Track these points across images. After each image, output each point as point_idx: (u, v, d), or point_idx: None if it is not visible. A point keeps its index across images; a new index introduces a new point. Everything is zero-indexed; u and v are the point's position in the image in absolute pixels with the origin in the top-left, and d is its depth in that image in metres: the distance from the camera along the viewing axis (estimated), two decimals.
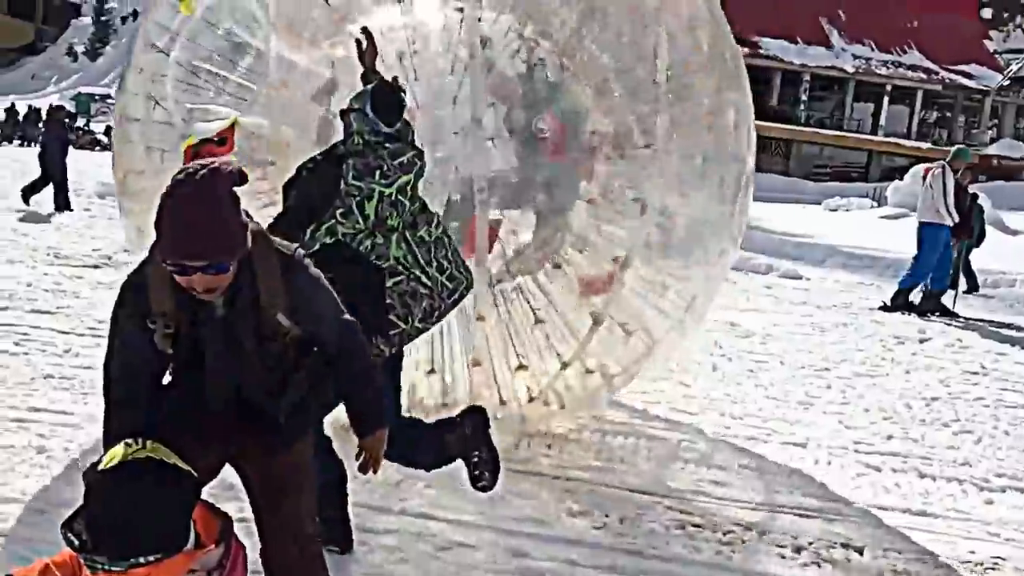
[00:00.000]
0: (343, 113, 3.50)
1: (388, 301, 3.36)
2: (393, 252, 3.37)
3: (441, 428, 3.53)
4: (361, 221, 3.29)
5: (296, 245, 2.45)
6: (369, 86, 3.48)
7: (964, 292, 11.19)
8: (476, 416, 3.52)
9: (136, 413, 2.31)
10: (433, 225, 3.52)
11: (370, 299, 3.24)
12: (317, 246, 3.20)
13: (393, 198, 3.34)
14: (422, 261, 3.43)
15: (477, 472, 3.49)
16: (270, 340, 2.35)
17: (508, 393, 4.55)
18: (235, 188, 2.15)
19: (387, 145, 3.38)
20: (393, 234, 3.36)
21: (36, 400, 4.88)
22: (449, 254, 3.54)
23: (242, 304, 2.28)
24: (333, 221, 3.26)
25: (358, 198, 3.27)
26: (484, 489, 3.52)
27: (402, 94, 3.53)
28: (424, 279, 3.43)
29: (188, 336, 2.31)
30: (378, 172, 3.30)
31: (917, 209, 10.50)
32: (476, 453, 3.48)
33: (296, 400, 2.45)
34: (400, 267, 3.38)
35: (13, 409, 4.71)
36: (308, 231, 3.24)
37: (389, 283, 3.36)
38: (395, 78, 3.65)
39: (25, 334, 6.14)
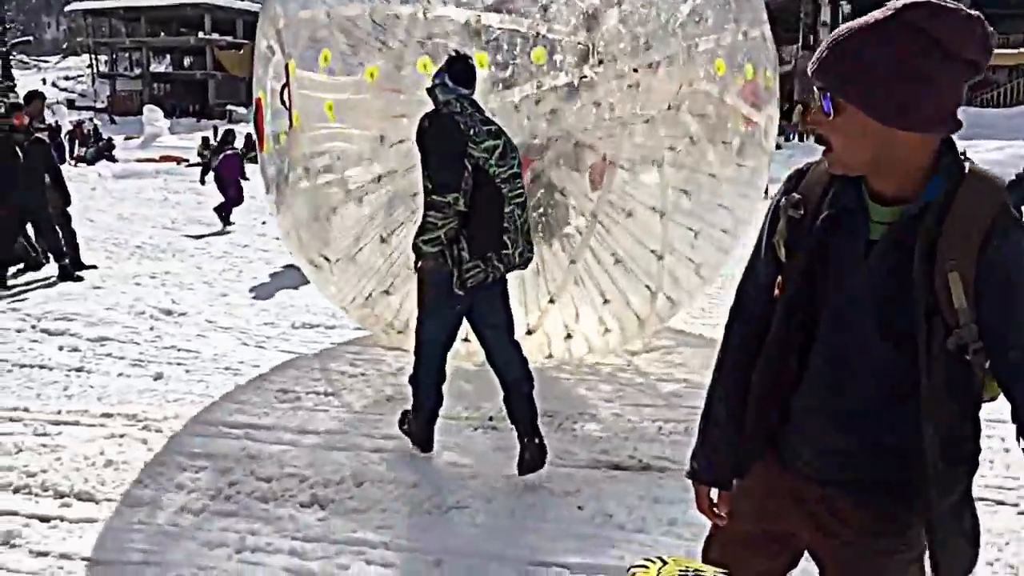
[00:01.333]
0: (429, 91, 4.17)
1: (504, 224, 4.05)
2: (512, 186, 4.08)
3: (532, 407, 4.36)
4: (485, 151, 3.98)
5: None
6: (445, 60, 4.18)
7: None
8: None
9: (729, 354, 1.96)
10: (517, 193, 4.13)
11: (493, 219, 4.03)
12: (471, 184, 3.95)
13: (477, 160, 3.99)
14: (515, 204, 4.11)
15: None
16: (938, 318, 1.61)
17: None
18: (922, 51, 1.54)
19: (476, 114, 4.09)
20: (496, 179, 4.03)
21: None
22: (518, 223, 4.15)
23: (911, 238, 1.61)
24: (471, 149, 3.95)
25: (471, 139, 3.96)
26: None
27: (471, 62, 4.20)
28: (522, 222, 4.14)
29: (814, 249, 1.74)
30: (472, 131, 4.00)
31: None
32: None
33: (952, 440, 1.67)
34: (517, 199, 4.10)
35: (368, 437, 4.94)
36: (463, 160, 3.94)
37: (507, 208, 4.06)
38: (465, 53, 4.32)
39: (357, 353, 6.48)
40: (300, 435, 5.01)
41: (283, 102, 5.43)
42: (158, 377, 5.96)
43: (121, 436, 4.96)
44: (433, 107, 4.13)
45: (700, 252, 5.82)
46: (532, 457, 4.23)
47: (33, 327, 7.03)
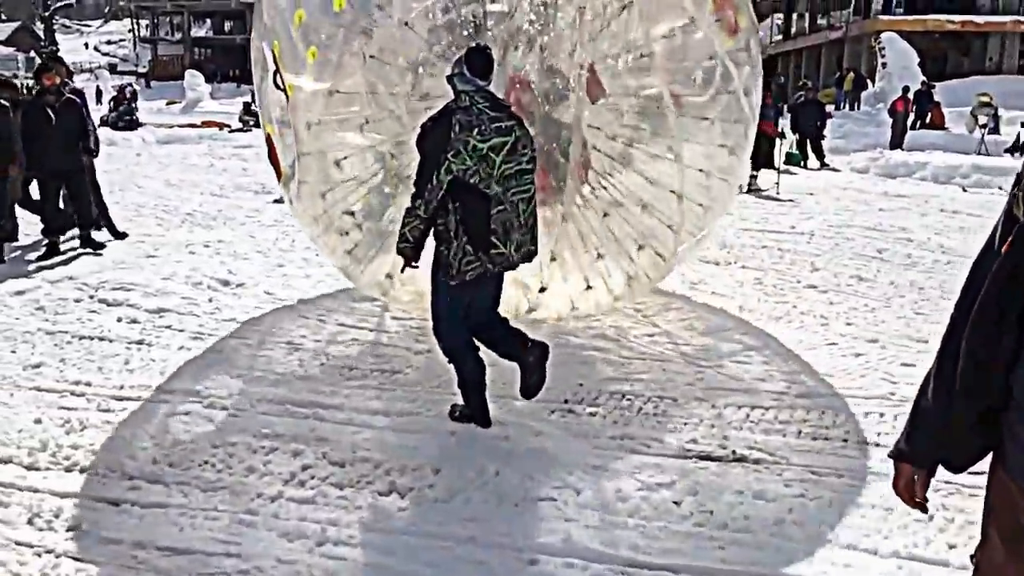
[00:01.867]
0: (449, 79, 4.33)
1: (492, 226, 4.22)
2: (495, 188, 4.21)
3: (520, 337, 4.61)
4: (468, 159, 4.11)
5: None
6: (463, 51, 4.35)
7: None
8: (542, 347, 4.59)
9: None
10: (512, 191, 4.29)
11: (481, 220, 4.20)
12: (446, 182, 4.12)
13: (484, 152, 4.15)
14: (516, 200, 4.29)
15: (528, 382, 4.58)
16: None
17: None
18: None
19: (488, 111, 4.21)
20: (492, 175, 4.19)
21: None
22: (521, 219, 4.36)
23: None
24: (448, 161, 4.09)
25: (460, 146, 4.09)
26: (527, 395, 4.61)
27: (489, 53, 4.35)
28: (518, 216, 4.31)
29: None
30: (476, 129, 4.14)
31: None
32: (532, 370, 4.55)
33: None
34: (501, 199, 4.24)
35: (440, 419, 4.76)
36: (436, 171, 4.11)
37: (493, 210, 4.22)
38: (482, 43, 4.51)
39: (420, 329, 6.06)
40: (369, 416, 4.81)
41: (277, 85, 5.51)
42: (219, 352, 5.80)
43: (186, 414, 4.80)
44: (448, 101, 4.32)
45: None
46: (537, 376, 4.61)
47: (91, 297, 6.89)
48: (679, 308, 6.85)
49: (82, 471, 4.16)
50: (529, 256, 4.52)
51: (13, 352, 5.73)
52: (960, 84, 31.51)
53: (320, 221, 5.84)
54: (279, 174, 6.03)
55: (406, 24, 5.46)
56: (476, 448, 4.37)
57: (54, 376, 5.34)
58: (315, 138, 5.55)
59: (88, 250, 8.58)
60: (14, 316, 6.42)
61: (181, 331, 6.20)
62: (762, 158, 13.92)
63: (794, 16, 47.94)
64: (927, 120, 24.45)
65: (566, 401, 5.02)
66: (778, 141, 14.68)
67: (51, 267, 7.94)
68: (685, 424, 4.68)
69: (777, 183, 13.74)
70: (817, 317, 6.62)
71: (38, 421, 4.67)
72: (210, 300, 6.93)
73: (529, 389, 4.61)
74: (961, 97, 27.34)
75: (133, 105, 30.07)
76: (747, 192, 13.63)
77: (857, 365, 5.58)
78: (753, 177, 13.98)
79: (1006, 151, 19.87)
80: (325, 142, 5.63)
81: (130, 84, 37.70)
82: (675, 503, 3.79)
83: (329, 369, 5.53)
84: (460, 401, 4.73)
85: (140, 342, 5.96)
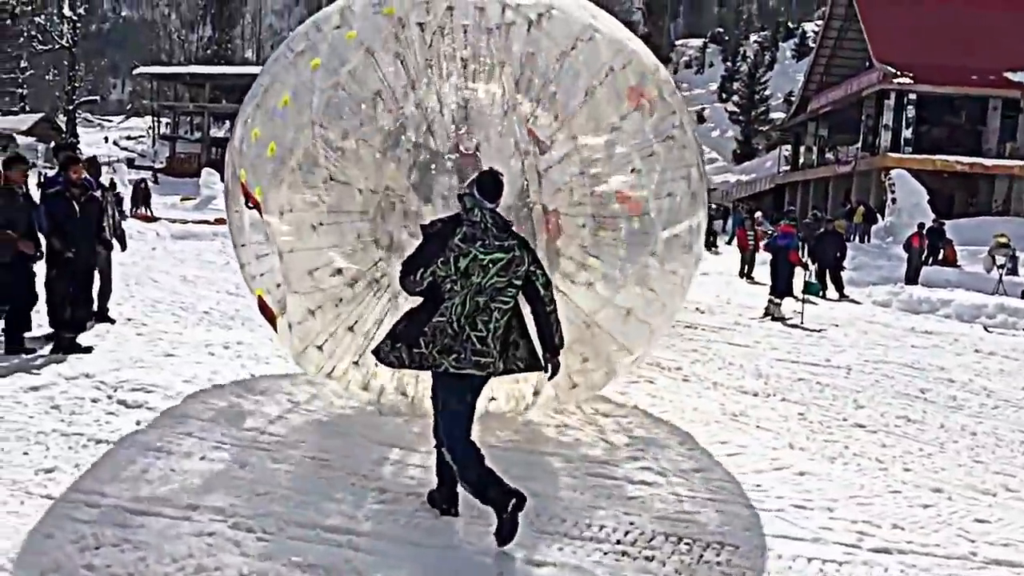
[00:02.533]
0: (460, 197, 4.72)
1: (424, 329, 4.49)
2: (455, 300, 4.48)
3: (494, 479, 4.50)
4: (452, 271, 4.45)
5: None
6: (476, 175, 4.75)
7: None
8: (520, 499, 4.43)
9: None
10: (494, 301, 4.53)
11: (420, 320, 4.52)
12: (426, 283, 4.51)
13: (484, 263, 4.48)
14: (463, 314, 4.49)
15: (502, 531, 4.43)
16: None
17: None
18: None
19: (495, 230, 4.54)
20: (466, 289, 4.47)
21: None
22: (491, 326, 4.55)
23: None
24: (435, 266, 4.46)
25: (456, 254, 4.43)
26: (501, 543, 4.43)
27: (500, 178, 4.65)
28: (455, 325, 4.49)
29: None
30: (480, 243, 4.49)
31: None
32: (507, 516, 4.40)
33: None
34: (449, 311, 4.48)
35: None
36: (421, 270, 4.49)
37: (434, 319, 4.49)
38: (494, 168, 4.83)
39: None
40: (410, 547, 4.43)
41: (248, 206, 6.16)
42: (243, 465, 5.43)
43: (210, 535, 4.42)
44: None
45: None
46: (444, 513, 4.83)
47: (109, 398, 6.54)
48: (726, 442, 6.50)
49: None
50: (477, 367, 4.55)
51: (26, 454, 5.36)
52: (968, 223, 31.78)
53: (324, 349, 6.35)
54: (275, 325, 6.43)
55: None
56: None
57: (68, 483, 4.97)
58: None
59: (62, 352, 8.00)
60: (28, 414, 6.06)
61: (202, 439, 5.84)
62: (782, 285, 13.80)
63: (802, 148, 48.82)
64: (939, 257, 24.50)
65: (618, 542, 4.65)
66: (799, 270, 14.58)
67: (65, 362, 7.60)
68: (744, 574, 4.30)
69: (801, 312, 13.53)
70: (872, 460, 6.27)
71: (49, 536, 4.29)
72: (231, 406, 6.59)
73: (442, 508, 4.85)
74: (969, 236, 27.51)
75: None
76: (772, 319, 13.44)
77: (927, 517, 5.21)
78: (776, 305, 13.81)
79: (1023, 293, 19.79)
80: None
81: (144, 180, 38.16)
82: None
83: (360, 490, 5.16)
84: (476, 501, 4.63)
85: (159, 449, 5.59)
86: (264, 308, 6.54)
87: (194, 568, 4.06)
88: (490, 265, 4.47)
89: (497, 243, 4.50)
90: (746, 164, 59.36)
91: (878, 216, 32.79)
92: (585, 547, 4.56)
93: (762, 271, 21.76)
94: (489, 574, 4.18)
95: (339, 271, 6.12)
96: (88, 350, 8.08)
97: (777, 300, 13.80)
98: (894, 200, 31.88)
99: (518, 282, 4.60)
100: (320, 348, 6.43)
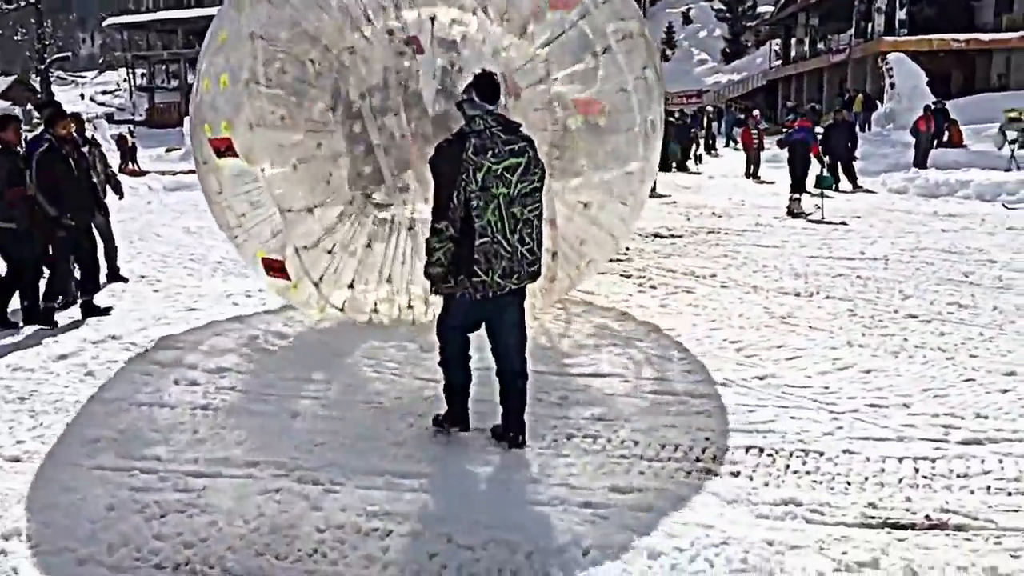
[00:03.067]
0: (458, 105, 4.54)
1: (475, 256, 4.32)
2: (488, 216, 4.31)
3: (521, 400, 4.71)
4: (475, 188, 4.26)
5: None
6: (472, 78, 4.48)
7: None
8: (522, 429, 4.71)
9: None
10: (528, 208, 4.43)
11: (465, 252, 4.34)
12: (463, 202, 4.28)
13: (499, 173, 4.30)
14: (507, 230, 4.36)
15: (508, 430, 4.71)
16: None
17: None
18: None
19: (501, 134, 4.36)
20: (492, 201, 4.30)
21: None
22: (534, 235, 4.49)
23: None
24: (459, 189, 4.25)
25: (472, 168, 4.24)
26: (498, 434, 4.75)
27: (496, 78, 4.47)
28: (505, 244, 4.37)
29: None
30: (490, 152, 4.29)
31: None
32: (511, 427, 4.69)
33: None
34: (489, 230, 4.32)
35: None
36: (455, 193, 4.26)
37: (477, 241, 4.31)
38: (486, 69, 4.64)
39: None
40: (483, 485, 4.25)
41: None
42: (294, 416, 5.23)
43: (276, 491, 4.23)
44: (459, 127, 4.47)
45: None
46: (511, 444, 4.68)
47: (142, 358, 6.31)
48: (782, 345, 6.30)
49: (175, 568, 3.58)
50: (532, 277, 4.57)
51: (68, 426, 5.15)
52: (968, 102, 31.23)
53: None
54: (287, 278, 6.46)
55: None
56: (620, 520, 3.81)
57: (117, 451, 4.76)
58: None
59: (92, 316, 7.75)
60: (62, 384, 5.83)
61: (246, 393, 5.63)
62: (802, 180, 13.53)
63: (793, 41, 47.87)
64: (943, 139, 24.07)
65: (698, 459, 4.47)
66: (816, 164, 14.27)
67: (88, 326, 7.35)
68: (848, 484, 4.11)
69: (820, 207, 13.25)
70: (936, 350, 6.07)
71: (111, 508, 4.09)
72: (269, 357, 6.37)
73: (508, 437, 4.71)
74: (971, 115, 27.01)
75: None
76: (793, 216, 13.17)
77: (1009, 403, 5.02)
78: (796, 200, 13.53)
79: None
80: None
81: (127, 134, 37.29)
82: None
83: (420, 431, 4.95)
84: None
85: (205, 407, 5.38)
86: (273, 267, 6.41)
87: (269, 528, 3.87)
88: (507, 174, 4.32)
89: (508, 148, 4.34)
90: (736, 63, 58.30)
91: (877, 103, 32.25)
92: (666, 468, 4.37)
93: (767, 170, 21.45)
94: (574, 505, 3.99)
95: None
96: (107, 311, 7.82)
97: (796, 196, 13.51)
98: (892, 85, 31.25)
99: (542, 184, 4.51)
100: (351, 286, 6.46)
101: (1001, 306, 7.24)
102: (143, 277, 9.68)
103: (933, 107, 24.18)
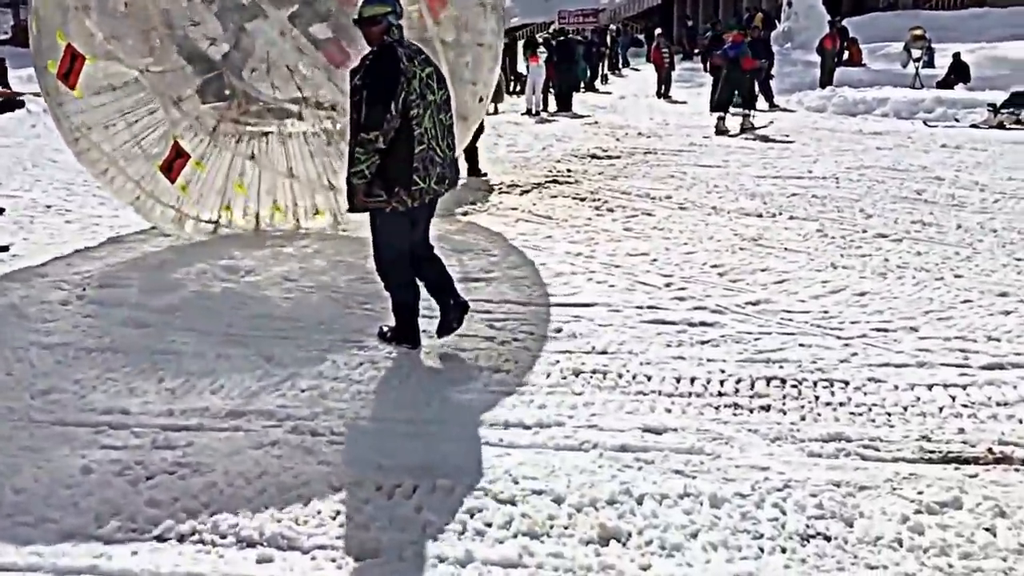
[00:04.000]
0: (379, 17, 4.34)
1: (415, 164, 4.33)
2: (425, 123, 4.35)
3: (449, 282, 4.83)
4: (415, 96, 4.28)
5: None
6: None
7: None
8: (464, 304, 4.86)
9: None
10: (448, 115, 4.54)
11: (402, 158, 4.31)
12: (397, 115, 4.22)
13: (426, 81, 4.35)
14: (439, 136, 4.44)
15: (447, 320, 4.80)
16: None
17: None
18: None
19: (413, 45, 4.49)
20: (428, 108, 4.35)
21: None
22: (454, 142, 4.64)
23: None
24: (403, 91, 4.22)
25: (408, 76, 4.24)
26: (441, 332, 4.82)
27: None
28: (439, 151, 4.45)
29: None
30: (415, 60, 4.34)
31: None
32: (452, 312, 4.80)
33: None
34: (426, 137, 4.36)
35: None
36: (391, 102, 4.19)
37: (417, 149, 4.32)
38: None
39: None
40: (502, 431, 3.91)
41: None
42: (269, 359, 4.74)
43: (273, 444, 3.81)
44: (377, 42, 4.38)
45: None
46: (457, 316, 4.81)
47: (80, 299, 5.66)
48: (766, 269, 6.11)
49: (180, 540, 3.14)
50: (452, 185, 4.67)
51: (10, 375, 4.54)
52: (862, 21, 31.71)
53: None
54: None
55: None
56: (666, 464, 3.55)
57: (76, 404, 4.21)
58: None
59: None
60: None
61: (207, 334, 5.10)
62: (741, 95, 13.41)
63: None
64: (843, 57, 24.35)
65: (721, 393, 4.23)
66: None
67: (3, 263, 6.61)
68: (889, 415, 3.94)
69: (752, 125, 13.17)
70: (920, 270, 5.98)
71: (87, 471, 3.59)
72: (223, 289, 5.82)
73: (447, 326, 4.79)
74: (865, 34, 27.42)
75: None
76: (720, 135, 13.05)
77: (1016, 325, 4.95)
78: (721, 119, 13.44)
79: (938, 84, 19.85)
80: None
81: None
82: (987, 529, 3.04)
83: (423, 379, 4.55)
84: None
85: (164, 352, 4.84)
86: (172, 159, 6.78)
87: (276, 488, 3.45)
88: (431, 80, 4.39)
89: (421, 57, 4.44)
90: None
91: (776, 22, 32.39)
92: (692, 404, 4.12)
93: (677, 90, 21.32)
94: (609, 449, 3.70)
95: None
96: (5, 248, 7.00)
97: (746, 111, 13.45)
98: (790, 4, 31.37)
99: (447, 94, 4.57)
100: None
101: (964, 224, 7.23)
102: (49, 207, 8.82)
103: (836, 25, 24.44)
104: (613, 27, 35.53)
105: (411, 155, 4.31)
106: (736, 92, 13.66)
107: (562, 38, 19.89)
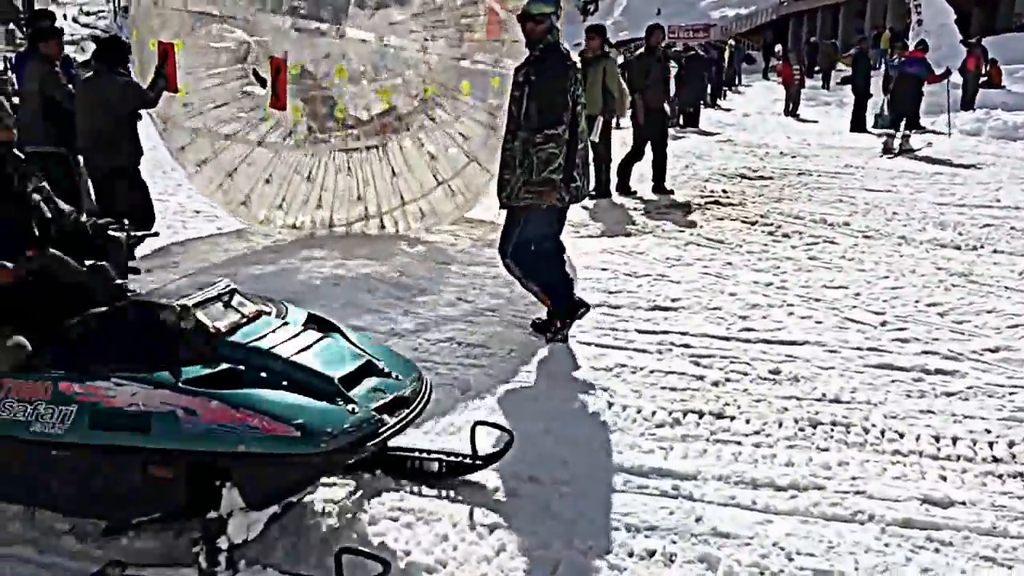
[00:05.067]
0: (535, 16, 4.35)
1: (576, 161, 4.37)
2: (582, 124, 4.42)
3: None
4: (580, 91, 4.39)
5: None
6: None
7: None
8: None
9: None
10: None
11: (570, 156, 4.34)
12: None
13: (578, 84, 4.42)
14: (584, 139, 4.51)
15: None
16: None
17: None
18: None
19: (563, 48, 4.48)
20: (581, 112, 4.41)
21: None
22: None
23: None
24: (573, 89, 4.30)
25: (575, 75, 4.35)
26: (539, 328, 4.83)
27: None
28: (584, 154, 4.50)
29: None
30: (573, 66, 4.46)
31: None
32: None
33: None
34: (584, 136, 4.45)
35: None
36: (566, 100, 4.27)
37: (579, 146, 4.40)
38: None
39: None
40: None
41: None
42: (465, 390, 4.35)
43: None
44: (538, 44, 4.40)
45: None
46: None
47: None
48: (993, 311, 5.47)
49: None
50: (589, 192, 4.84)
51: None
52: (995, 41, 30.32)
53: None
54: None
55: None
56: (970, 549, 3.00)
57: None
58: None
59: None
60: None
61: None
62: (911, 115, 12.81)
63: None
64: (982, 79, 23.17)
65: (996, 459, 3.65)
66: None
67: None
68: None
69: (907, 146, 12.48)
70: None
71: None
72: (396, 306, 5.47)
73: (552, 332, 4.74)
74: (1000, 55, 26.14)
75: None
76: (889, 154, 12.33)
77: None
78: (906, 137, 12.80)
79: None
80: None
81: None
82: None
83: (643, 424, 4.10)
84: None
85: None
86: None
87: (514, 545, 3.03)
88: (578, 84, 4.42)
89: (571, 62, 4.47)
90: None
91: (904, 40, 31.16)
92: (968, 470, 3.55)
93: (806, 108, 20.50)
94: (886, 522, 3.17)
95: None
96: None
97: (906, 131, 12.80)
98: (920, 22, 30.18)
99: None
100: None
101: None
102: (198, 212, 8.72)
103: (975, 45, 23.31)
104: (732, 42, 34.72)
105: (573, 152, 4.36)
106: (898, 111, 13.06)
107: (691, 53, 19.32)
